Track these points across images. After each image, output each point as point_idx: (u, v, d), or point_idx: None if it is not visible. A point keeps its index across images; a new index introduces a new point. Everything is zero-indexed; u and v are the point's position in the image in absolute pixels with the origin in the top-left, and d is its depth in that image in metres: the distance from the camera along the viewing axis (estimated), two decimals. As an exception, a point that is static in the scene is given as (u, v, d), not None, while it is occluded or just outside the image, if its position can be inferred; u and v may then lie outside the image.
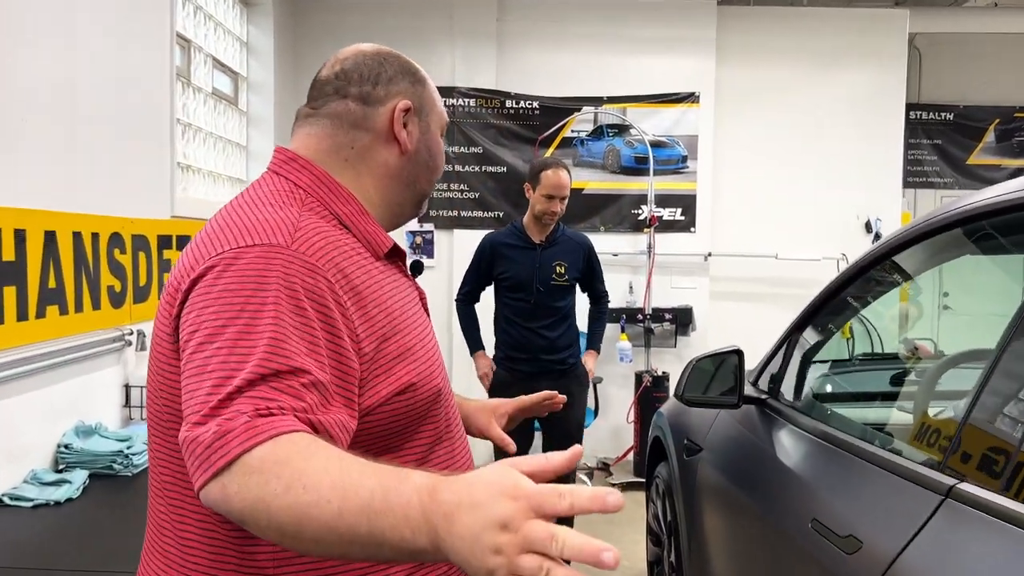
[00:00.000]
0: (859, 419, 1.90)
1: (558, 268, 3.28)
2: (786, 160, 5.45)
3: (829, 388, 2.20)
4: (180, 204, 3.47)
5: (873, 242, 5.45)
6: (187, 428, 0.79)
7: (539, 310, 3.25)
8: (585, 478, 4.89)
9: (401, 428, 0.98)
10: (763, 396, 2.11)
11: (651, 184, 5.19)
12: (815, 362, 2.14)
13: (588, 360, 3.49)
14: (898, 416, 1.87)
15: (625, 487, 4.88)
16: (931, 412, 1.64)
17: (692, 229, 5.35)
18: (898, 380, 2.24)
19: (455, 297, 3.53)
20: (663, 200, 5.30)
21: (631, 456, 5.06)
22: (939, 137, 7.42)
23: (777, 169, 5.45)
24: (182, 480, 0.94)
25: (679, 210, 5.35)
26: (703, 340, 5.30)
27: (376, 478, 0.72)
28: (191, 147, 4.00)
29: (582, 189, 5.29)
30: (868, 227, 5.46)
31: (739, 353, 2.09)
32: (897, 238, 1.74)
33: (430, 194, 1.19)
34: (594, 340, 3.56)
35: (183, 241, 3.43)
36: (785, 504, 1.65)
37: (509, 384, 3.25)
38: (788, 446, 1.81)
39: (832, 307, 2.05)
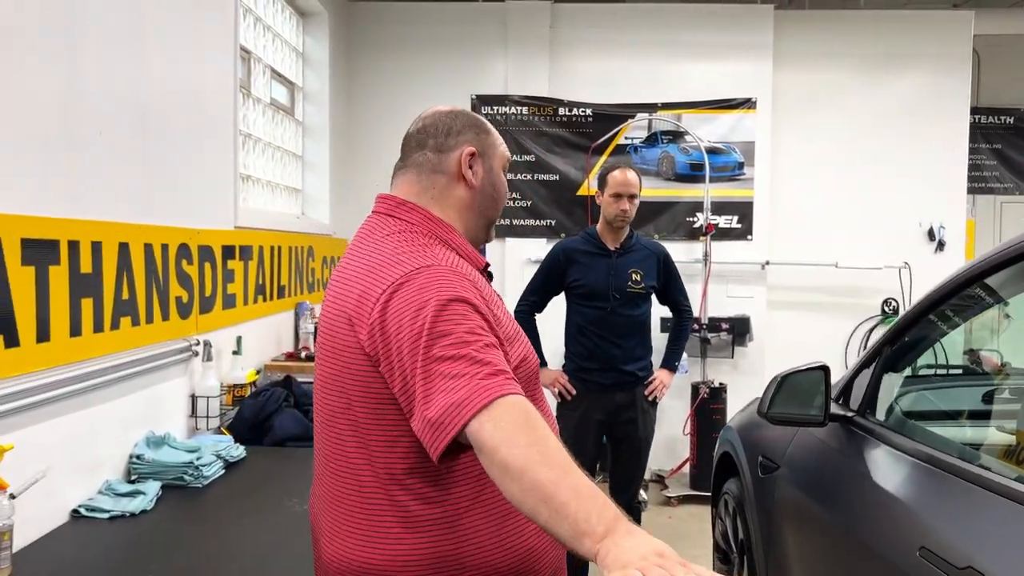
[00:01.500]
0: (958, 439, 1.82)
1: (634, 275, 3.20)
2: (845, 166, 5.33)
3: (923, 406, 2.11)
4: (243, 214, 3.49)
5: (936, 251, 5.30)
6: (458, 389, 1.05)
7: (615, 319, 3.15)
8: (640, 491, 4.80)
9: None
10: (850, 414, 2.03)
11: (707, 191, 5.11)
12: (907, 378, 2.06)
13: (663, 376, 3.34)
14: (1000, 436, 1.78)
15: (681, 500, 4.79)
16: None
17: (749, 237, 5.25)
18: (990, 397, 2.14)
19: (515, 308, 3.43)
20: (719, 207, 5.21)
21: (687, 468, 4.97)
22: (999, 141, 7.20)
23: (836, 175, 5.33)
24: (369, 445, 1.20)
25: (735, 218, 5.25)
26: (760, 351, 5.20)
27: (585, 479, 0.98)
28: (251, 157, 4.03)
29: (636, 197, 5.22)
30: (931, 235, 5.30)
31: (825, 369, 2.01)
32: (998, 255, 1.65)
33: (496, 220, 1.47)
34: (671, 356, 3.42)
35: (246, 251, 3.46)
36: (885, 529, 1.57)
37: (581, 397, 3.17)
38: (884, 467, 1.73)
39: (924, 324, 1.97)
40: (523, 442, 0.99)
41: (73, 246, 2.14)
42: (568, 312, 3.30)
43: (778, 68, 5.26)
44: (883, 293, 5.24)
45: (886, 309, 5.28)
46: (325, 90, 4.90)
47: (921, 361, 2.12)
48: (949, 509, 1.45)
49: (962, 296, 1.85)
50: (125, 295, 2.42)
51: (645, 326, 3.27)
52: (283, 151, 4.54)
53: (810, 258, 5.24)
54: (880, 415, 1.97)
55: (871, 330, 5.29)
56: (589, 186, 5.19)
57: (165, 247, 2.68)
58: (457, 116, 1.40)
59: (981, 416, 2.02)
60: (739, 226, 5.26)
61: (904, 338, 1.97)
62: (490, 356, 1.08)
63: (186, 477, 2.41)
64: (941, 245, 5.27)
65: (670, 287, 3.40)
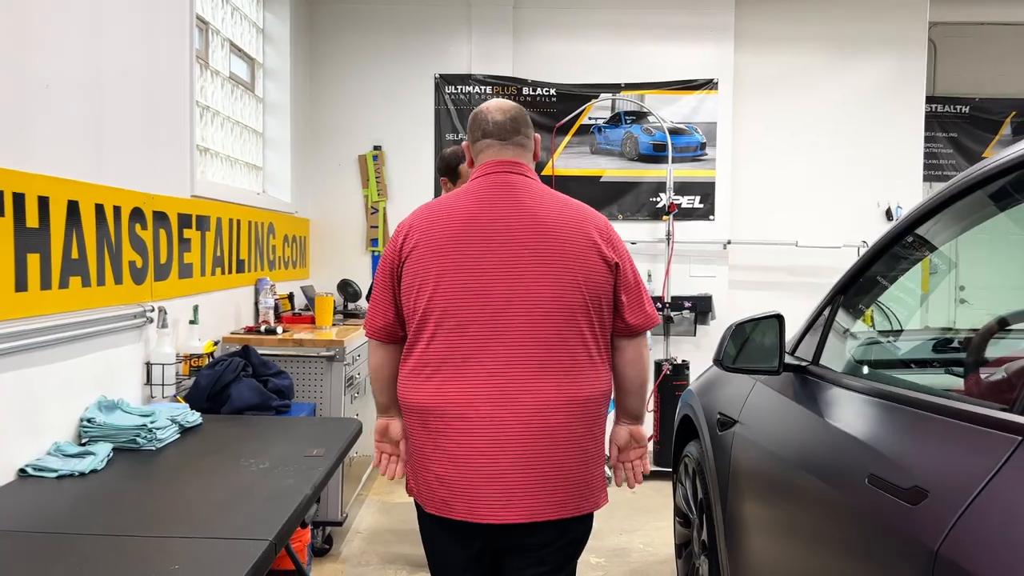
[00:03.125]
0: (913, 382, 1.84)
1: None
2: (805, 147, 5.40)
3: (876, 354, 2.14)
4: (200, 185, 3.43)
5: (894, 230, 5.38)
6: (648, 313, 1.90)
7: None
8: (607, 470, 4.82)
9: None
10: (804, 363, 2.05)
11: (670, 171, 5.14)
12: (856, 330, 2.09)
13: None
14: (950, 380, 1.81)
15: (646, 476, 4.81)
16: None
17: (711, 217, 5.30)
18: (942, 347, 2.18)
19: None
20: (681, 188, 5.25)
21: (650, 446, 4.99)
22: (955, 130, 7.34)
23: (796, 156, 5.40)
24: (587, 329, 1.82)
25: (697, 198, 5.30)
26: (722, 329, 5.23)
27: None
28: (209, 130, 3.97)
29: (600, 177, 5.24)
30: (889, 215, 5.39)
31: (779, 318, 2.03)
32: (949, 189, 1.67)
33: None
34: None
35: (203, 222, 3.40)
36: (836, 464, 1.59)
37: None
38: (836, 407, 1.76)
39: (873, 272, 1.99)
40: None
41: (18, 199, 2.09)
42: None
43: (739, 50, 5.31)
44: (841, 272, 5.30)
45: (845, 288, 5.36)
46: (286, 67, 4.85)
47: (873, 311, 2.15)
48: (896, 437, 1.47)
49: (906, 243, 1.89)
50: (75, 254, 2.36)
51: None
52: (243, 127, 4.48)
53: (771, 237, 5.30)
54: (834, 364, 1.99)
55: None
56: (554, 166, 5.19)
57: (117, 209, 2.63)
58: (525, 113, 1.98)
59: (932, 364, 2.05)
60: (701, 206, 5.31)
61: (855, 286, 2.00)
62: None
63: (139, 440, 2.37)
64: (898, 225, 5.36)
65: None
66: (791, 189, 5.39)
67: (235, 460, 2.29)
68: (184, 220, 3.21)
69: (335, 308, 4.90)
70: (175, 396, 2.95)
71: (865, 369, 1.97)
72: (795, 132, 5.40)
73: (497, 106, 1.93)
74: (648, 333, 5.06)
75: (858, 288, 2.01)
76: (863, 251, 5.21)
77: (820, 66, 5.40)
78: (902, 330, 2.29)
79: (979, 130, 7.34)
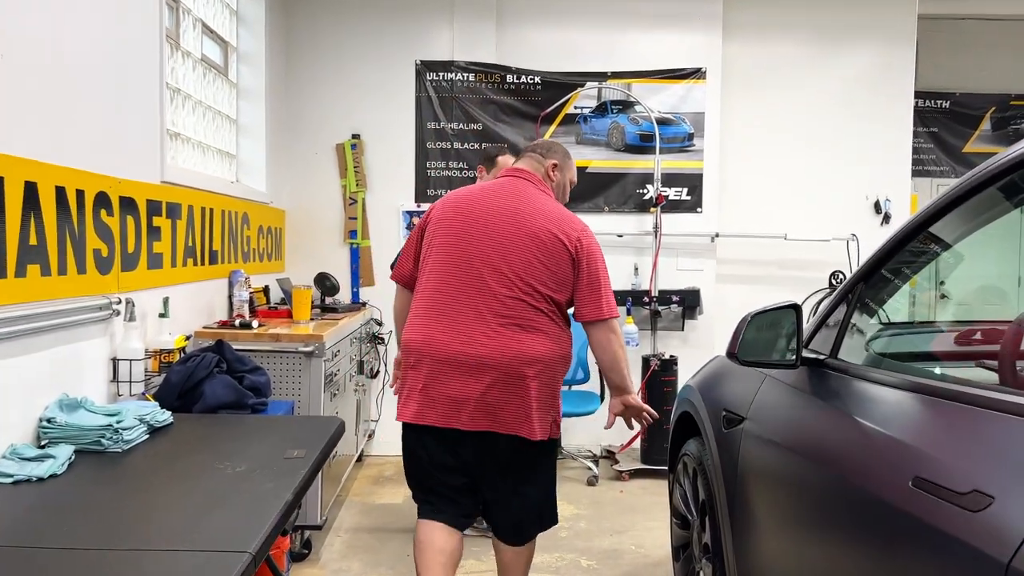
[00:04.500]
0: (950, 374, 1.72)
1: None
2: (794, 139, 5.31)
3: (899, 347, 2.03)
4: (170, 170, 3.24)
5: (883, 223, 5.32)
6: (601, 308, 2.39)
7: None
8: (592, 465, 4.70)
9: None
10: (822, 357, 1.93)
11: (657, 162, 5.02)
12: (875, 323, 1.97)
13: None
14: (984, 374, 1.70)
15: (632, 474, 4.70)
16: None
17: (699, 209, 5.19)
18: (964, 340, 2.07)
19: None
20: (669, 179, 5.13)
21: (637, 443, 4.88)
22: (935, 125, 7.32)
23: (785, 148, 5.31)
24: (549, 311, 2.38)
25: (685, 190, 5.19)
26: (710, 324, 5.15)
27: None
28: (180, 115, 3.77)
29: (586, 168, 5.11)
30: (877, 207, 5.33)
31: (797, 308, 1.91)
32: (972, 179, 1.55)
33: (565, 202, 2.60)
34: None
35: (173, 209, 3.21)
36: (873, 465, 1.47)
37: None
38: (865, 403, 1.63)
39: (896, 262, 1.87)
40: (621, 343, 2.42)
41: (-31, 177, 1.90)
42: None
43: (727, 39, 5.20)
44: (830, 266, 5.24)
45: (833, 281, 5.29)
46: (261, 51, 4.65)
47: (894, 302, 2.03)
48: (944, 435, 1.34)
49: (929, 233, 1.77)
50: (33, 240, 2.17)
51: None
52: (216, 112, 4.28)
53: (759, 230, 5.20)
54: (856, 357, 1.87)
55: (819, 302, 5.29)
56: (538, 156, 5.04)
57: (80, 193, 2.44)
58: (556, 145, 2.63)
59: (959, 357, 1.94)
60: (689, 198, 5.19)
61: (878, 275, 1.88)
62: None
63: (104, 441, 2.18)
64: (887, 218, 5.30)
65: None
66: (780, 181, 5.30)
67: (209, 463, 2.12)
68: (154, 207, 3.02)
69: (312, 302, 4.72)
70: (144, 394, 2.76)
71: (892, 361, 1.85)
72: (784, 123, 5.30)
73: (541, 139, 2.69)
74: (635, 330, 5.11)
75: (879, 278, 1.89)
76: (852, 246, 5.17)
77: (809, 56, 5.31)
78: (923, 322, 2.18)
79: (959, 125, 7.32)
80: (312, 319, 3.98)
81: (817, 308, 5.29)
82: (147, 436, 2.35)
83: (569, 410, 4.59)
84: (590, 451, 5.11)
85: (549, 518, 2.56)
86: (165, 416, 2.49)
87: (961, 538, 1.15)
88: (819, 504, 1.67)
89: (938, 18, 6.16)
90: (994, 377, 1.67)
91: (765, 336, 1.94)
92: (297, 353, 3.35)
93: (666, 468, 4.73)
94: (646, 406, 2.55)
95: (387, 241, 5.10)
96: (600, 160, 5.16)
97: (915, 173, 7.17)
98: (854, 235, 5.13)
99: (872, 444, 1.51)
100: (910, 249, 1.82)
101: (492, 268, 2.31)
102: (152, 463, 2.14)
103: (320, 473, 3.32)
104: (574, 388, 4.91)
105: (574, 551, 3.58)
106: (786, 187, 5.29)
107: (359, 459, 4.91)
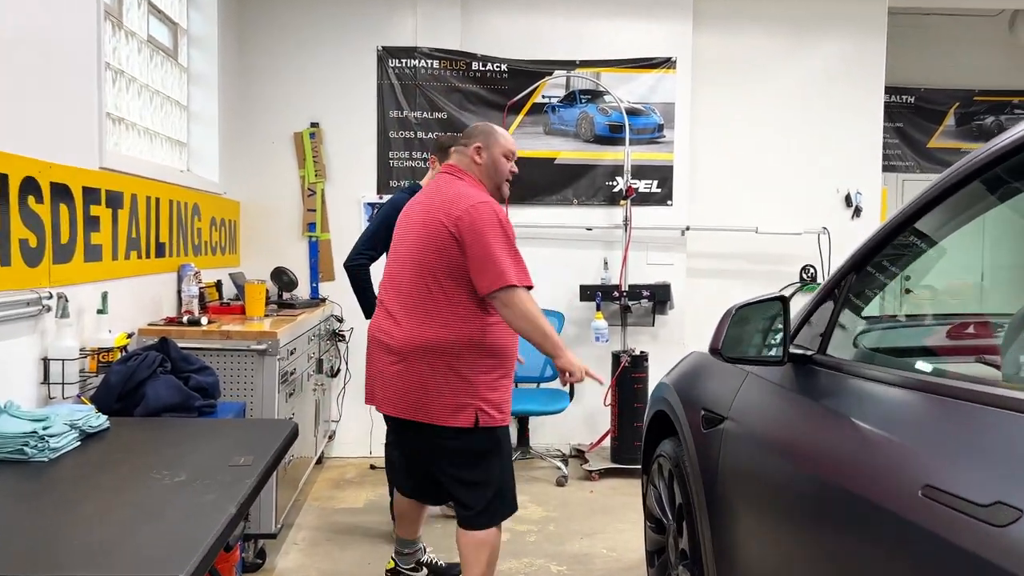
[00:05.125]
0: (953, 371, 1.60)
1: None
2: (765, 131, 5.22)
3: (892, 342, 1.91)
4: (111, 156, 3.02)
5: (853, 217, 5.26)
6: (492, 280, 2.38)
7: None
8: (561, 465, 4.56)
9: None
10: (809, 352, 1.80)
11: (627, 153, 4.89)
12: (863, 317, 1.85)
13: None
14: (986, 370, 1.58)
15: (602, 474, 4.58)
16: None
17: (669, 202, 5.08)
18: (957, 335, 1.96)
19: None
20: (638, 172, 5.01)
21: (607, 441, 4.76)
22: (900, 120, 7.31)
23: (756, 140, 5.22)
24: (446, 292, 2.45)
25: (655, 182, 5.07)
26: (680, 319, 5.04)
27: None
28: (124, 98, 3.54)
29: (554, 159, 4.97)
30: (848, 201, 5.26)
31: (783, 300, 1.78)
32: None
33: (501, 186, 2.66)
34: None
35: (114, 198, 2.99)
36: (873, 471, 1.34)
37: None
38: (862, 402, 1.50)
39: (889, 252, 1.75)
40: (535, 311, 2.42)
41: None
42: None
43: (698, 28, 5.09)
44: (801, 260, 5.17)
45: (804, 276, 5.21)
46: (213, 34, 4.42)
47: (885, 295, 1.91)
48: (957, 437, 1.22)
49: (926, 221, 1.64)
50: (-54, 228, 1.96)
51: None
52: (165, 98, 4.05)
53: (730, 223, 5.11)
54: (842, 354, 1.75)
55: (790, 296, 5.20)
56: (504, 146, 4.89)
57: (3, 177, 2.22)
58: (478, 126, 2.72)
59: (955, 352, 1.83)
60: (659, 191, 5.07)
61: (870, 267, 1.75)
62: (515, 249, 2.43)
63: (27, 450, 1.97)
64: (858, 211, 5.24)
65: None
66: (751, 174, 5.21)
67: (145, 472, 1.93)
68: (91, 195, 2.80)
69: (268, 298, 4.52)
70: (79, 396, 2.55)
71: (886, 357, 1.73)
72: (755, 115, 5.21)
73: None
74: (604, 325, 4.95)
75: (869, 271, 1.77)
76: (823, 239, 5.10)
77: (780, 47, 5.22)
78: (911, 316, 2.07)
79: (924, 120, 7.33)
80: (267, 315, 3.78)
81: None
82: (79, 443, 2.14)
83: (537, 408, 4.45)
84: (559, 450, 4.97)
85: (498, 509, 2.56)
86: (100, 420, 2.28)
87: (984, 556, 1.02)
88: (810, 511, 1.54)
89: (907, 12, 6.13)
90: (997, 373, 1.56)
91: (748, 331, 1.81)
92: (249, 351, 3.15)
93: (638, 467, 4.63)
94: (585, 367, 2.57)
95: (347, 234, 4.88)
96: (569, 151, 5.02)
97: (882, 168, 7.17)
98: (825, 228, 5.06)
99: (872, 447, 1.38)
100: (903, 241, 1.70)
101: (403, 263, 2.52)
102: (80, 473, 1.94)
103: (274, 477, 3.13)
104: (543, 386, 4.77)
105: (543, 556, 3.44)
106: (757, 180, 5.20)
107: (319, 461, 4.71)
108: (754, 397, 1.98)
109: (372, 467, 4.72)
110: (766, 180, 5.20)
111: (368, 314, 3.34)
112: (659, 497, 2.69)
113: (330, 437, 4.87)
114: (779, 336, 1.80)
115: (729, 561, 2.02)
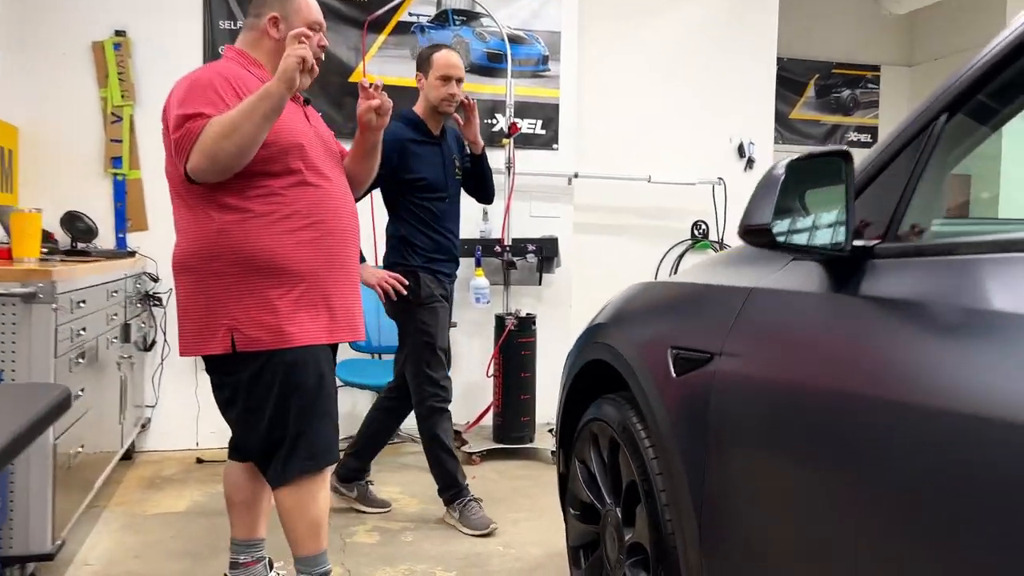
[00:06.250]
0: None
1: (456, 161, 3.14)
2: (657, 72, 4.75)
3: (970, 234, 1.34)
4: None
5: (747, 168, 4.90)
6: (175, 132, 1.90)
7: (452, 209, 3.10)
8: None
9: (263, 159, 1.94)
10: (871, 244, 1.21)
11: (509, 86, 4.23)
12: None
13: None
14: None
15: (485, 456, 3.91)
16: None
17: (555, 146, 4.48)
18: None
19: None
20: (521, 109, 4.37)
21: (489, 419, 4.09)
22: (766, 92, 7.16)
23: (647, 82, 4.73)
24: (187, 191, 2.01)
25: (540, 122, 4.45)
26: (568, 278, 4.47)
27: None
28: None
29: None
30: (741, 151, 4.89)
31: (846, 156, 1.17)
32: None
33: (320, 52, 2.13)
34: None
35: None
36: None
37: (443, 296, 3.05)
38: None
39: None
40: (214, 132, 1.86)
41: None
42: (405, 206, 3.01)
43: (585, -50, 4.52)
44: (693, 215, 4.74)
45: (696, 233, 4.79)
46: None
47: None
48: None
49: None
50: None
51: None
52: None
53: (621, 172, 4.58)
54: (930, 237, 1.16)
55: (681, 256, 4.77)
56: (364, 71, 4.09)
57: None
58: None
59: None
60: (544, 132, 4.46)
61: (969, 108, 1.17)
62: (201, 108, 1.88)
63: None
64: (751, 163, 4.88)
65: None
66: (642, 120, 4.71)
67: None
68: None
69: (58, 248, 3.52)
70: None
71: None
72: (646, 55, 4.72)
73: None
74: (485, 284, 4.77)
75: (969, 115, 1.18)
76: (718, 190, 4.69)
77: (671, -17, 4.75)
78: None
79: (787, 91, 7.20)
80: (45, 259, 2.80)
81: (677, 264, 4.77)
82: None
83: (362, 381, 3.74)
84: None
85: (290, 458, 2.00)
86: None
87: None
88: (904, 479, 0.93)
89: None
90: None
91: (800, 203, 1.19)
92: (9, 296, 2.21)
93: (527, 447, 4.04)
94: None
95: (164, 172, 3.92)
96: (440, 82, 4.28)
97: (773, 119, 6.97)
98: (721, 179, 4.65)
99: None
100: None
101: None
102: None
103: (49, 476, 2.23)
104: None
105: (426, 559, 2.72)
106: (649, 126, 4.71)
107: (127, 456, 3.72)
108: (771, 316, 1.37)
109: (199, 460, 3.80)
110: (658, 126, 4.73)
111: None
112: (589, 476, 2.05)
113: (143, 426, 3.88)
114: (831, 216, 1.19)
115: (732, 553, 1.41)
